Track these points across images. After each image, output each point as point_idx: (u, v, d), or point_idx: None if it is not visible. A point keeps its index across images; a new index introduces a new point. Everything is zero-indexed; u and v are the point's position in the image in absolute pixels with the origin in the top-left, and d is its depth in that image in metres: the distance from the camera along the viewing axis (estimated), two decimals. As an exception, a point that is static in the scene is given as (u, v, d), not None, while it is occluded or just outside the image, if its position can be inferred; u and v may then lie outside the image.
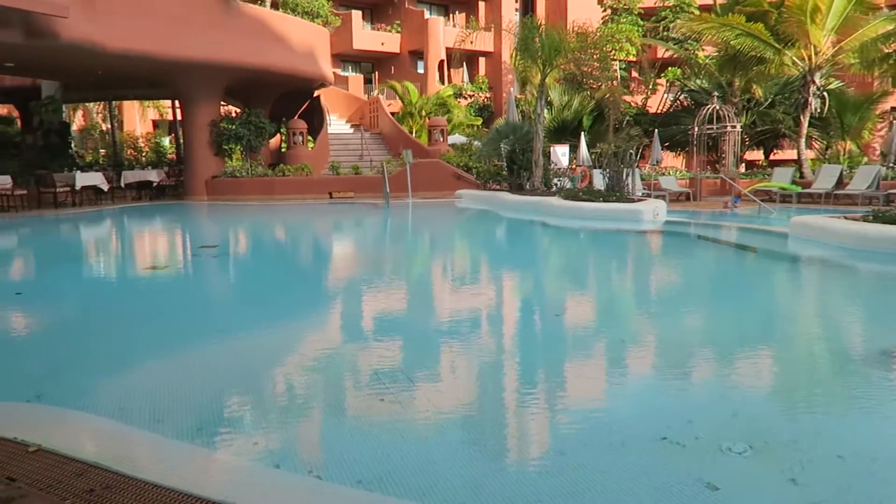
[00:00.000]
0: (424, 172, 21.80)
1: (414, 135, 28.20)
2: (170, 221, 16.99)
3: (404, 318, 6.13)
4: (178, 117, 26.57)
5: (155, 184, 22.86)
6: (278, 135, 27.06)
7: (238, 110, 25.43)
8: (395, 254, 11.07)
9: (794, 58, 21.08)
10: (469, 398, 3.94)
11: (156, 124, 36.96)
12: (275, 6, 30.32)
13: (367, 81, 38.06)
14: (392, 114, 29.67)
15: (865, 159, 25.47)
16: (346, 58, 37.88)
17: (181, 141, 25.80)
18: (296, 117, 25.49)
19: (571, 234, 12.91)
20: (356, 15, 35.64)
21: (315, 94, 26.99)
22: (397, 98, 32.28)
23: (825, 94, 21.49)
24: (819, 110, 21.49)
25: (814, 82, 20.85)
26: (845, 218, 9.48)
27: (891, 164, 21.07)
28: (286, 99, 25.66)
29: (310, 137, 25.47)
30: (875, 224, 8.71)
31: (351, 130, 29.19)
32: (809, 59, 20.71)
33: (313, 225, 16.34)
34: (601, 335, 5.36)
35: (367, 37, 36.41)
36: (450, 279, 8.43)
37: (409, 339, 5.27)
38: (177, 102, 26.88)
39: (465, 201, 19.68)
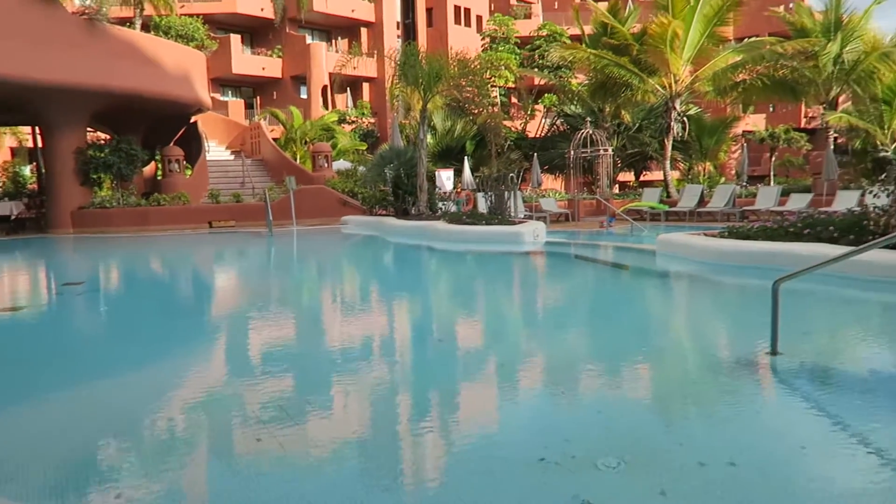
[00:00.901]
0: (309, 199, 21.46)
1: (298, 161, 27.76)
2: (29, 257, 15.67)
3: (285, 351, 5.94)
4: (40, 144, 24.69)
5: (13, 216, 21.06)
6: (153, 163, 25.76)
7: (108, 137, 24.01)
8: (277, 284, 10.76)
9: (657, 85, 22.68)
10: (348, 430, 3.85)
11: (14, 152, 34.14)
12: (146, 28, 29.06)
13: (249, 106, 37.13)
14: (274, 139, 29.08)
15: (723, 179, 27.75)
16: (225, 82, 36.82)
17: (43, 170, 23.98)
18: (171, 144, 24.41)
19: (456, 258, 13.10)
20: (235, 39, 34.80)
21: (192, 120, 25.99)
22: (280, 124, 31.70)
23: (685, 119, 23.26)
24: (681, 134, 23.20)
25: (675, 108, 22.50)
26: (705, 235, 10.21)
27: (744, 184, 23.05)
28: (161, 125, 24.52)
29: (187, 165, 24.45)
30: (730, 240, 9.44)
31: (231, 157, 28.31)
32: (670, 86, 22.34)
33: (190, 256, 15.60)
34: (481, 359, 5.43)
35: (247, 61, 35.59)
36: (333, 308, 8.29)
37: (290, 372, 5.11)
38: (37, 129, 24.98)
39: (352, 227, 19.54)
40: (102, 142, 22.29)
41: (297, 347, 6.12)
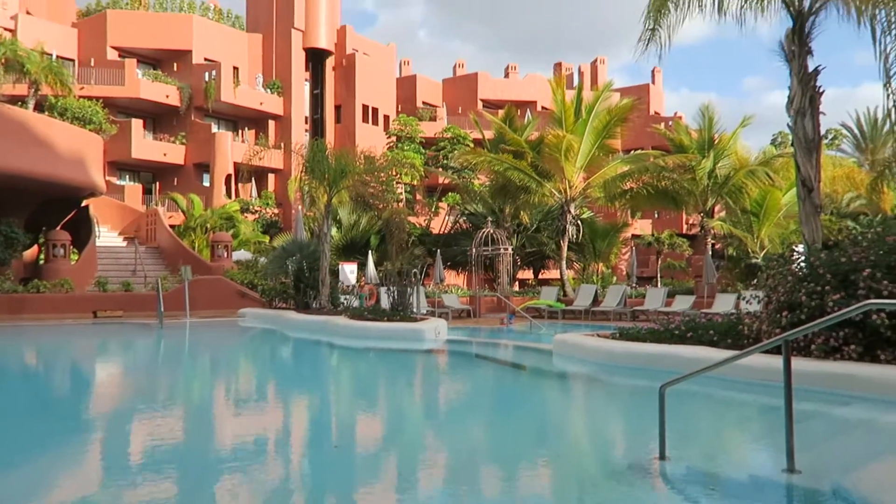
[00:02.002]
0: (206, 290, 20.70)
1: (196, 250, 26.90)
2: None
3: (161, 457, 5.50)
4: None
5: None
6: (36, 246, 24.19)
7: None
8: (158, 382, 10.10)
9: (553, 190, 23.98)
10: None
11: None
12: (39, 108, 28.05)
13: (147, 192, 36.00)
14: (172, 227, 28.18)
15: (615, 279, 29.16)
16: (123, 167, 35.71)
17: None
18: (58, 228, 23.11)
19: (355, 355, 12.87)
20: (136, 123, 34.09)
21: (84, 204, 24.83)
22: (180, 210, 30.85)
23: (580, 222, 24.55)
24: (575, 236, 24.41)
25: (570, 212, 23.76)
26: (598, 335, 10.60)
27: (634, 284, 24.30)
28: (48, 207, 23.23)
29: (74, 250, 23.13)
30: (621, 342, 9.84)
31: (124, 244, 27.07)
32: (565, 191, 23.67)
33: (69, 349, 14.47)
34: (376, 464, 5.26)
35: (148, 146, 34.81)
36: (219, 410, 7.85)
37: (165, 482, 4.73)
38: None
39: (249, 320, 18.88)
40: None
41: (175, 455, 5.69)
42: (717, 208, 26.64)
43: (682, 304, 19.22)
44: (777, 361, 4.70)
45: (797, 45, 9.88)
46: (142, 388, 9.32)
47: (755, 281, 18.48)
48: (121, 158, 33.94)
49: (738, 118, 25.93)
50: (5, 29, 31.52)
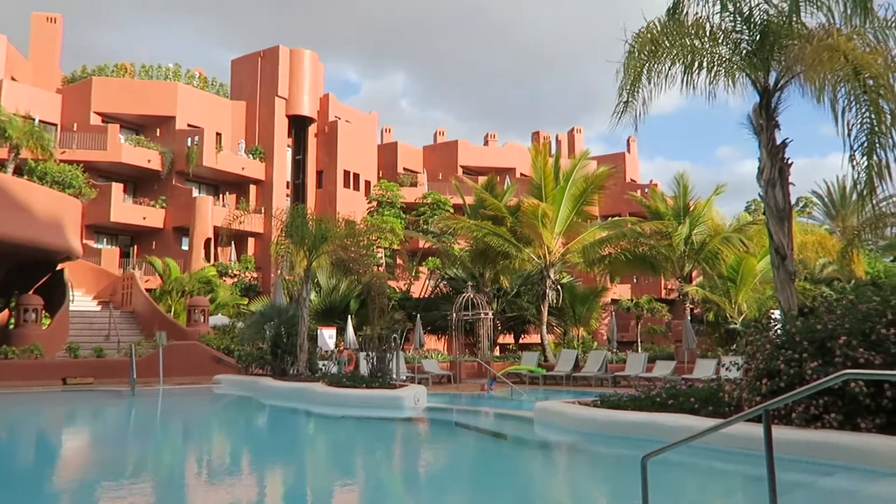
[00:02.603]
0: (181, 355, 20.28)
1: (172, 314, 26.48)
2: None
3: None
4: None
5: None
6: (6, 310, 23.66)
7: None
8: (136, 453, 9.74)
9: (532, 255, 24.16)
10: None
11: None
12: (18, 173, 28.00)
13: (125, 256, 35.65)
14: (149, 290, 27.81)
15: (595, 344, 29.09)
16: (102, 230, 35.48)
17: None
18: (31, 292, 22.67)
19: (332, 424, 12.58)
20: (116, 187, 34.07)
21: (59, 268, 24.48)
22: (157, 274, 30.51)
23: (559, 287, 24.64)
24: (555, 301, 24.44)
25: (549, 277, 23.88)
26: (579, 403, 10.48)
27: (614, 349, 24.26)
28: (22, 271, 22.85)
29: (47, 315, 22.65)
30: (603, 409, 9.73)
31: (98, 308, 26.60)
32: (544, 257, 23.85)
33: (36, 419, 13.97)
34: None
35: (127, 210, 34.70)
36: (189, 483, 7.56)
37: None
38: None
39: (225, 387, 18.45)
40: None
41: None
42: (694, 274, 26.94)
43: (663, 369, 19.17)
44: (759, 430, 4.66)
45: (764, 119, 10.24)
46: (109, 460, 8.96)
47: (734, 346, 18.58)
48: (99, 222, 33.75)
49: (712, 186, 26.63)
50: (-11, 94, 31.77)
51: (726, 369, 10.20)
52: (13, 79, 34.56)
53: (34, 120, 30.55)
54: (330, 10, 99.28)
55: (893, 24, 9.73)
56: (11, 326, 22.71)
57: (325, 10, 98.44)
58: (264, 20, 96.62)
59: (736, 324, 22.25)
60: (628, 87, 10.39)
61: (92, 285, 28.68)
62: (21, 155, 26.93)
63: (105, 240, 36.31)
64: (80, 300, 26.54)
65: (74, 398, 16.84)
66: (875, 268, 29.19)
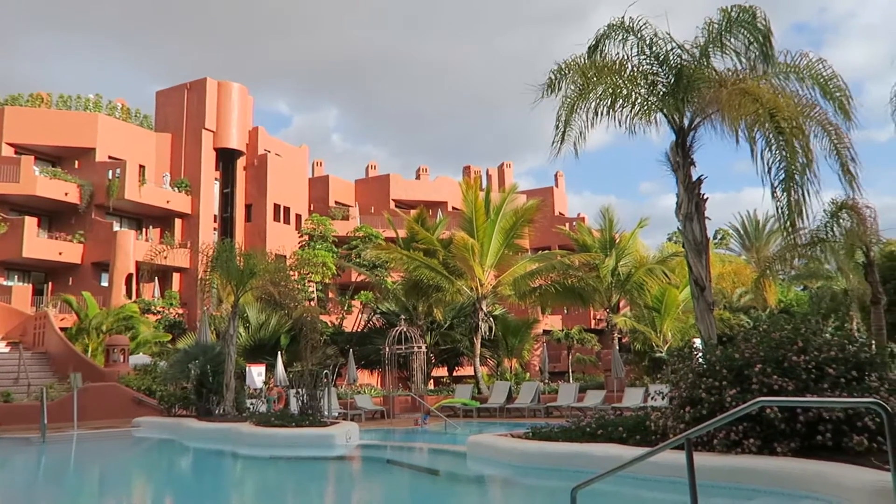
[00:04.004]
0: (98, 398, 19.24)
1: (89, 354, 25.16)
2: None
3: None
4: None
5: None
6: None
7: None
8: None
9: (465, 287, 24.31)
10: None
11: None
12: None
13: (38, 293, 33.75)
14: (64, 329, 26.35)
15: (528, 375, 29.36)
16: (12, 266, 33.53)
17: None
18: (-70, 334, 21.13)
19: (260, 466, 12.15)
20: (30, 221, 32.34)
21: (-38, 307, 22.95)
22: (73, 311, 28.99)
23: (492, 319, 24.84)
24: (488, 333, 24.61)
25: (482, 309, 24.05)
26: (512, 435, 10.50)
27: (546, 380, 24.54)
28: (-81, 312, 21.33)
29: (-53, 358, 21.11)
30: (534, 442, 9.78)
31: (7, 349, 25.00)
32: (476, 289, 24.04)
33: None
34: None
35: (41, 245, 32.95)
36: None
37: None
38: None
39: (145, 430, 17.55)
40: None
41: None
42: (621, 304, 27.69)
43: (594, 398, 19.50)
44: (684, 457, 4.80)
45: (681, 156, 10.76)
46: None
47: (660, 375, 19.12)
48: (10, 258, 31.92)
49: (636, 219, 27.60)
50: None
51: (652, 398, 10.49)
52: (-85, 107, 32.60)
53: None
54: (261, 45, 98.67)
55: (792, 70, 10.46)
56: None
57: (255, 44, 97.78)
58: (192, 53, 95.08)
59: (661, 352, 22.96)
60: (564, 120, 10.74)
61: (1, 325, 26.97)
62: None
63: (16, 276, 34.30)
64: (-13, 341, 24.91)
65: (-23, 447, 15.67)
66: (787, 296, 30.82)
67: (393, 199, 46.39)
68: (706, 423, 4.81)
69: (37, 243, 32.62)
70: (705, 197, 10.80)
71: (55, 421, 16.91)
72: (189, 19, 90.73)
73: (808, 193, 9.26)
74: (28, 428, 17.51)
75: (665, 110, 11.03)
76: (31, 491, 10.60)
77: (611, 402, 18.99)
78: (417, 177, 51.58)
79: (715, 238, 44.05)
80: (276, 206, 40.18)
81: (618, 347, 24.11)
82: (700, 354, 9.12)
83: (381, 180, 48.31)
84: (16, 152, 33.99)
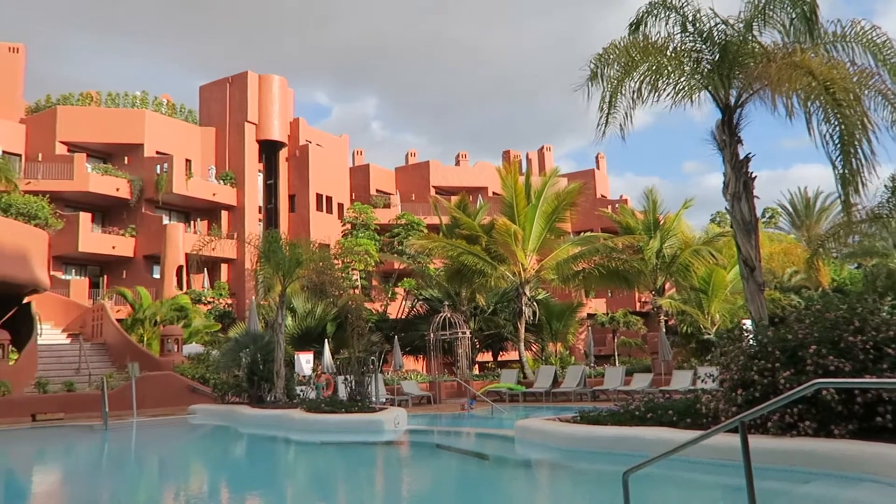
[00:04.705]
0: (154, 386, 19.93)
1: (144, 344, 26.03)
2: None
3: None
4: None
5: None
6: (-29, 347, 23.01)
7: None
8: (109, 490, 9.52)
9: (507, 273, 24.28)
10: None
11: None
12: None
13: (94, 286, 34.99)
14: (120, 321, 27.29)
15: (573, 359, 29.22)
16: (70, 261, 34.82)
17: None
18: (-3, 327, 22.10)
19: (312, 451, 12.43)
20: (84, 217, 33.51)
21: (25, 301, 23.95)
22: (127, 304, 29.98)
23: (535, 303, 24.78)
24: (532, 317, 24.56)
25: (525, 294, 24.01)
26: (559, 420, 10.51)
27: (592, 364, 24.40)
28: (-14, 306, 22.36)
29: (14, 350, 22.07)
30: (583, 425, 9.78)
31: (67, 341, 26.03)
32: (519, 274, 24.00)
33: (1, 458, 13.57)
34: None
35: (95, 240, 34.11)
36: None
37: None
38: None
39: (200, 417, 18.13)
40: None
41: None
42: (667, 286, 27.29)
43: (641, 382, 19.33)
44: (736, 440, 4.74)
45: (727, 134, 10.51)
46: (83, 498, 8.75)
47: (709, 357, 18.82)
48: (67, 252, 33.13)
49: (681, 200, 27.09)
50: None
51: (702, 381, 10.35)
52: (-25, 110, 34.00)
53: (-2, 151, 30.03)
54: (298, 37, 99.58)
55: (843, 39, 10.09)
56: (-23, 363, 22.10)
57: (293, 36, 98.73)
58: (233, 48, 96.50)
59: (710, 334, 22.56)
60: (608, 102, 10.61)
61: (60, 318, 28.07)
62: (-15, 187, 26.40)
63: (73, 270, 35.62)
64: (49, 333, 25.97)
65: (45, 435, 16.41)
66: (840, 275, 29.89)
67: (433, 186, 46.48)
68: (761, 406, 4.73)
69: (91, 238, 33.78)
70: (753, 175, 10.54)
71: (115, 409, 17.61)
72: (228, 14, 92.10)
73: (867, 167, 8.95)
74: (90, 416, 18.27)
75: (710, 88, 10.78)
76: (100, 475, 11.09)
77: (658, 385, 18.81)
78: (457, 163, 51.55)
79: (763, 217, 42.98)
80: (319, 196, 40.70)
81: (664, 330, 23.80)
82: (751, 336, 8.95)
83: (422, 167, 48.43)
84: (69, 150, 35.19)
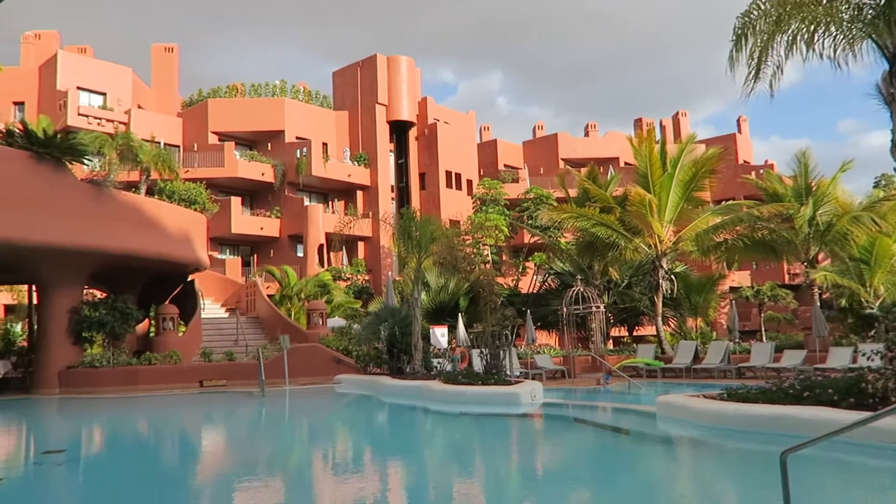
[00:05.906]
0: (303, 357, 21.32)
1: (292, 318, 27.86)
2: (8, 420, 15.18)
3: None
4: (35, 302, 24.79)
5: (0, 376, 20.62)
6: (147, 320, 25.76)
7: (103, 294, 24.21)
8: (266, 450, 10.39)
9: (642, 245, 23.47)
10: None
11: (7, 309, 34.16)
12: (150, 193, 30.33)
13: (246, 264, 37.90)
14: (270, 296, 29.38)
15: (715, 334, 27.86)
16: (224, 241, 37.86)
17: (34, 327, 23.90)
18: (167, 302, 24.56)
19: (451, 422, 12.81)
20: (235, 201, 36.26)
21: (189, 279, 26.39)
22: (276, 281, 32.20)
23: (673, 276, 23.79)
24: (670, 291, 23.63)
25: (661, 267, 23.11)
26: (704, 396, 10.12)
27: (736, 340, 23.13)
28: (158, 283, 24.85)
29: (181, 322, 24.45)
30: (731, 403, 9.35)
31: (226, 315, 28.42)
32: (655, 246, 23.12)
33: (178, 420, 15.17)
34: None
35: (246, 221, 36.86)
36: (323, 476, 7.97)
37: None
38: (34, 287, 25.19)
39: (345, 386, 19.22)
40: (97, 300, 22.41)
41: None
42: (820, 257, 25.20)
43: (792, 359, 18.11)
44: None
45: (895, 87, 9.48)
46: (247, 457, 9.61)
47: (872, 333, 17.25)
48: (222, 234, 36.02)
49: (835, 162, 24.85)
50: (120, 123, 34.71)
51: (868, 358, 9.53)
52: (139, 107, 37.61)
53: (160, 143, 33.11)
54: (422, 15, 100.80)
55: None
56: (152, 335, 24.71)
57: (417, 15, 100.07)
58: (362, 32, 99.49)
59: (873, 309, 20.63)
60: (757, 54, 9.93)
61: (219, 294, 30.69)
62: (151, 176, 29.22)
63: (228, 250, 38.73)
64: (210, 308, 28.47)
65: (212, 399, 18.10)
66: None
67: (562, 159, 45.68)
68: (945, 385, 4.30)
69: (242, 220, 36.53)
70: (928, 131, 9.47)
71: (269, 377, 19.08)
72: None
73: None
74: (248, 383, 19.92)
75: (874, 36, 9.75)
76: (264, 435, 12.11)
77: (812, 362, 17.54)
78: (586, 134, 50.26)
79: (936, 177, 38.38)
80: (448, 173, 41.29)
81: (818, 304, 22.07)
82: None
83: (549, 140, 47.71)
84: (219, 139, 38.09)
